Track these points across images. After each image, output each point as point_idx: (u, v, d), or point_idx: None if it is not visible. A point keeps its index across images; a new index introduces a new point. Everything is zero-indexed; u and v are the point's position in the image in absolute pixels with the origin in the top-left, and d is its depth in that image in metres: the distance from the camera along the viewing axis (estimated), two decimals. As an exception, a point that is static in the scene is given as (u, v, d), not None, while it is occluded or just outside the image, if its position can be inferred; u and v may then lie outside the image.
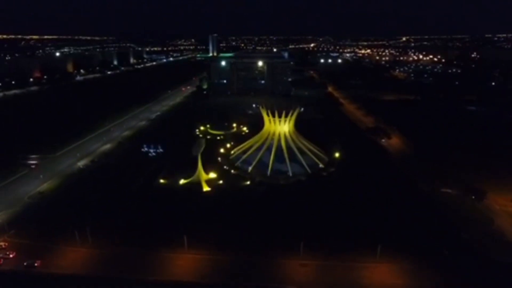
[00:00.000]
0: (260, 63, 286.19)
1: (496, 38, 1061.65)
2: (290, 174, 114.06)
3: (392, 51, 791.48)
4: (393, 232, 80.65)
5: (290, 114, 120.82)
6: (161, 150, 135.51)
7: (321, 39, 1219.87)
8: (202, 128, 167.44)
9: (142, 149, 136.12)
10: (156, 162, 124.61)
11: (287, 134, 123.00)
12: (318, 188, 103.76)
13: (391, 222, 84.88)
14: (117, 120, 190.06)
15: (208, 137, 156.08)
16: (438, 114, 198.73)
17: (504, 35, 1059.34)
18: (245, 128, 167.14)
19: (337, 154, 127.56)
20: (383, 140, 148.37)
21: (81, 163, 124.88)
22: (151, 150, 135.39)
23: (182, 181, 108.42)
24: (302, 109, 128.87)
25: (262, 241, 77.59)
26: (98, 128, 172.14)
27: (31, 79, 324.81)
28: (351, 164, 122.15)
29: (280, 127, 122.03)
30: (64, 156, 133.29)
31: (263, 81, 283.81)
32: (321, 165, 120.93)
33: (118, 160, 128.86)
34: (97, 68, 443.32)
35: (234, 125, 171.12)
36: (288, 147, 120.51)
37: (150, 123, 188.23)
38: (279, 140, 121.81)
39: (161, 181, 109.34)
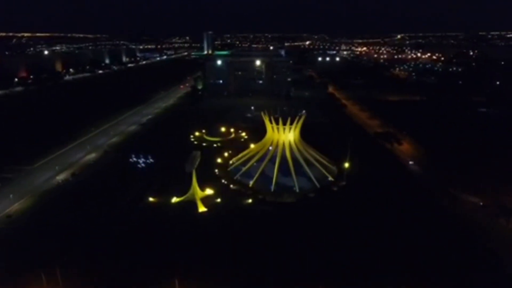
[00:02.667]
0: (258, 62, 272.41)
1: (490, 36, 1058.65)
2: (297, 190, 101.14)
3: (389, 49, 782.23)
4: (425, 264, 67.98)
5: (295, 121, 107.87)
6: (151, 160, 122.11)
7: (316, 36, 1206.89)
8: (197, 134, 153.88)
9: (130, 160, 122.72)
10: (145, 176, 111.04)
11: (292, 143, 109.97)
12: (330, 208, 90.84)
13: (421, 250, 72.14)
14: (105, 124, 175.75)
15: (204, 144, 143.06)
16: (448, 117, 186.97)
17: (498, 32, 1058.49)
18: (244, 134, 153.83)
19: (346, 165, 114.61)
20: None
21: (60, 177, 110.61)
22: (140, 161, 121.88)
23: (174, 199, 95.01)
24: (304, 111, 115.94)
25: (270, 280, 64.51)
26: (83, 134, 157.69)
27: (16, 79, 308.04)
28: (363, 176, 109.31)
29: (285, 136, 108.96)
30: (42, 168, 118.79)
31: (261, 81, 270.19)
32: (330, 178, 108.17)
33: (102, 173, 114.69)
34: (88, 67, 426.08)
35: (232, 130, 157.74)
36: (294, 158, 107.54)
37: (140, 128, 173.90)
38: (283, 150, 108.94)
39: (150, 199, 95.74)
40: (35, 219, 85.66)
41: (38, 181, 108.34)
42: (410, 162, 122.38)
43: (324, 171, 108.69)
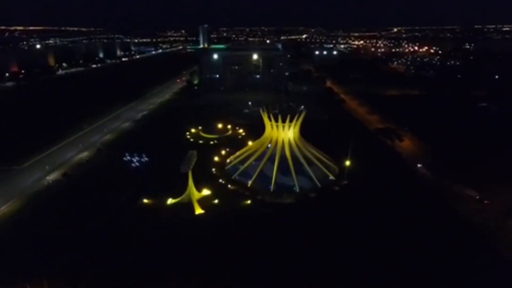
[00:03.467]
0: (255, 56, 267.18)
1: (486, 29, 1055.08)
2: (297, 190, 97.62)
3: (385, 42, 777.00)
4: (437, 274, 64.87)
5: (295, 118, 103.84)
6: (146, 159, 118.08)
7: (313, 30, 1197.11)
8: (193, 131, 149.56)
9: (124, 158, 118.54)
10: (139, 175, 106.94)
11: (292, 141, 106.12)
12: (332, 209, 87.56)
13: (432, 258, 68.87)
14: (98, 121, 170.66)
15: (200, 141, 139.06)
16: (449, 112, 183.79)
17: (494, 26, 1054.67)
18: (241, 131, 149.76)
19: (347, 163, 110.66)
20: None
21: (50, 178, 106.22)
22: (135, 160, 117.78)
23: (170, 201, 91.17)
24: (302, 107, 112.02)
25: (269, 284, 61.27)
26: (75, 131, 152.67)
27: (7, 74, 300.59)
28: (365, 174, 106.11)
29: (284, 133, 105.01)
30: (31, 168, 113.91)
31: (258, 76, 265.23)
32: (331, 177, 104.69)
33: (94, 173, 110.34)
34: (81, 61, 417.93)
35: (229, 126, 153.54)
36: (294, 157, 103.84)
37: (134, 124, 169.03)
38: (282, 148, 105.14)
39: (145, 200, 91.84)
40: (23, 224, 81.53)
41: (27, 182, 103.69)
42: (419, 165, 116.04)
43: (325, 170, 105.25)
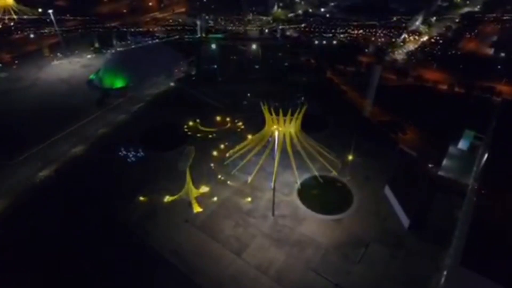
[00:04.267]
0: (253, 46, 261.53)
1: (486, 18, 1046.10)
2: (299, 187, 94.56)
3: (385, 32, 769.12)
4: None
5: (297, 111, 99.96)
6: (142, 153, 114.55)
7: (311, 19, 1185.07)
8: (191, 124, 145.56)
9: (120, 153, 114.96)
10: (135, 171, 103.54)
11: (294, 135, 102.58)
12: (336, 209, 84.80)
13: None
14: (93, 113, 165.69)
15: (199, 135, 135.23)
16: (451, 104, 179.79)
17: (494, 14, 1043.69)
18: (240, 124, 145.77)
19: (350, 157, 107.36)
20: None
21: (42, 173, 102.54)
22: (130, 154, 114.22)
23: (167, 198, 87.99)
24: (303, 98, 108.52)
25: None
26: (69, 124, 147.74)
27: (1, 65, 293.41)
28: (367, 170, 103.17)
29: (285, 128, 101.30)
30: (22, 164, 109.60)
31: (257, 66, 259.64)
32: (334, 173, 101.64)
33: (88, 168, 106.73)
34: (76, 51, 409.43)
35: (228, 119, 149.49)
36: (295, 152, 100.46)
37: (130, 117, 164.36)
38: (283, 143, 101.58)
39: (141, 198, 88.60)
40: (13, 225, 78.19)
41: (19, 177, 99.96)
42: (430, 165, 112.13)
43: (327, 165, 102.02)
